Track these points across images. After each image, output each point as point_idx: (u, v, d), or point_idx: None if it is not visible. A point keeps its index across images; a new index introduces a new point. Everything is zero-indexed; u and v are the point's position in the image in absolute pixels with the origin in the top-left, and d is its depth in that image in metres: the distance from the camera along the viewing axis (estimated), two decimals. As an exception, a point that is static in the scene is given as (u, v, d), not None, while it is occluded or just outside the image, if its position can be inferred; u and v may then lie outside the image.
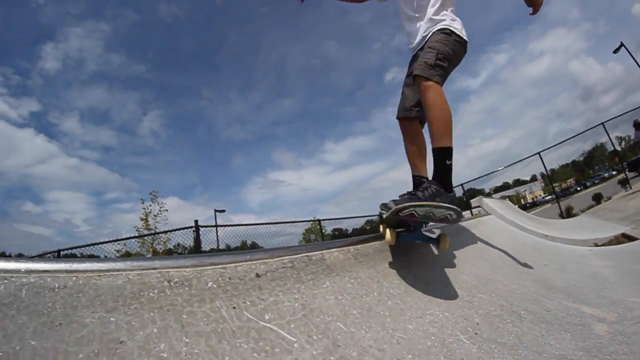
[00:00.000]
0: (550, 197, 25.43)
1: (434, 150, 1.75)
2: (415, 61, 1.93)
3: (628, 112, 12.17)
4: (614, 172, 18.64)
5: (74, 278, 0.72)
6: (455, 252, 2.16)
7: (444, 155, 1.72)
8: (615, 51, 16.69)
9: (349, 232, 14.39)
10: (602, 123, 11.95)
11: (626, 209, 6.86)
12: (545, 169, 12.60)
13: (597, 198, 11.40)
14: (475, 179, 14.90)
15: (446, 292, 1.59)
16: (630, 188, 10.52)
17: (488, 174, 15.20)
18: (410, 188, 2.01)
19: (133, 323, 0.69)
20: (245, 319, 0.80)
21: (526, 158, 12.71)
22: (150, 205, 13.76)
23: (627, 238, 4.24)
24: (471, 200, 7.13)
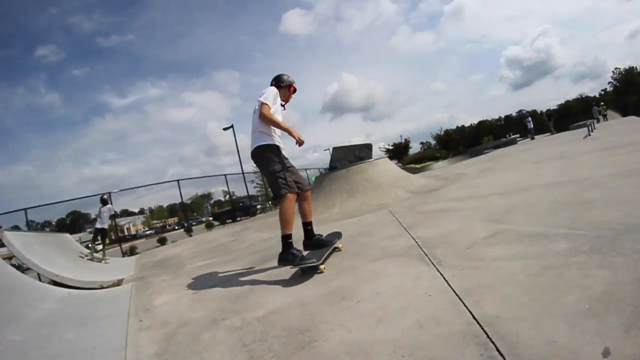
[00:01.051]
0: (150, 231, 28.85)
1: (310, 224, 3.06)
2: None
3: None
4: (210, 218, 22.32)
5: None
6: None
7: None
8: (225, 129, 22.60)
9: None
10: (177, 180, 15.54)
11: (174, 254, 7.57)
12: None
13: (162, 241, 13.13)
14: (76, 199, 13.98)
15: None
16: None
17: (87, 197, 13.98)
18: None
19: None
20: None
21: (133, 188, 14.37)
22: None
23: (120, 283, 4.70)
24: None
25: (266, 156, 2.84)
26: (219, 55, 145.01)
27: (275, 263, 2.77)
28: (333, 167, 8.01)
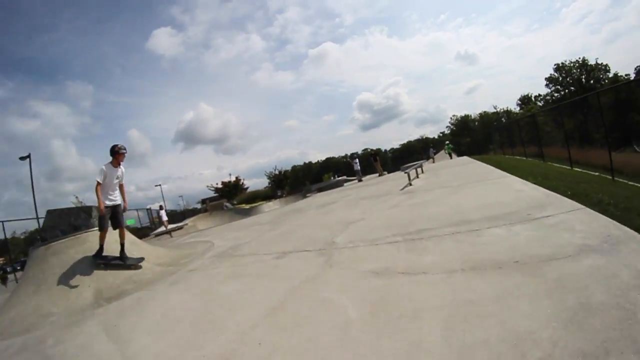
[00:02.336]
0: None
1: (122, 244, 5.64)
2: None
3: None
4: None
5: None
6: None
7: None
8: (21, 158, 20.69)
9: None
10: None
11: None
12: None
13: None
14: None
15: None
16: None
17: None
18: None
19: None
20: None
21: None
22: None
23: None
24: None
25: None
26: (77, 62, 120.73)
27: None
28: (43, 237, 6.37)
